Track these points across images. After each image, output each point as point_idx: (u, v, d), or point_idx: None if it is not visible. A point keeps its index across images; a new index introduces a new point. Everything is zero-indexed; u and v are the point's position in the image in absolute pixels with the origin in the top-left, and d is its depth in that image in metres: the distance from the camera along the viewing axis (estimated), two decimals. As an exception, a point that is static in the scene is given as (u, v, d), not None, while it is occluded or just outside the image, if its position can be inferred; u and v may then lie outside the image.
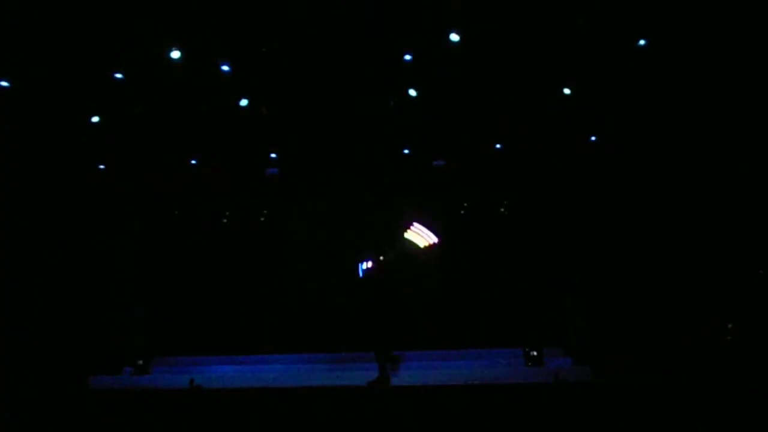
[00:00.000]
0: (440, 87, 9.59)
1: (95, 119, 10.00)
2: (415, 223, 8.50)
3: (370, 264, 8.54)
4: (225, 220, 12.22)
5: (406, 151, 11.21)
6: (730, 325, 9.32)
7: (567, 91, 9.35)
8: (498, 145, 10.90)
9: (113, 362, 10.89)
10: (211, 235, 12.20)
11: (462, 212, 11.68)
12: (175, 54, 8.68)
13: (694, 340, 9.27)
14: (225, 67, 9.11)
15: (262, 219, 12.16)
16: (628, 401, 6.09)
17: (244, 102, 9.84)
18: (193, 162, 11.53)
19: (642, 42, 8.55)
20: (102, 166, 11.28)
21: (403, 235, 8.36)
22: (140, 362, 10.69)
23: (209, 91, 9.66)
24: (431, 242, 8.46)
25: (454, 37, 8.42)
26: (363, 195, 11.56)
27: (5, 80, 9.03)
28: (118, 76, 9.19)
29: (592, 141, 10.48)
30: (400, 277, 8.47)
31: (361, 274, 8.64)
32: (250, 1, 8.12)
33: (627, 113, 9.80)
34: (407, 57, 8.95)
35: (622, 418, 5.77)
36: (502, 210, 11.54)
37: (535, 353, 9.78)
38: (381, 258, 8.38)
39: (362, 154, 11.02)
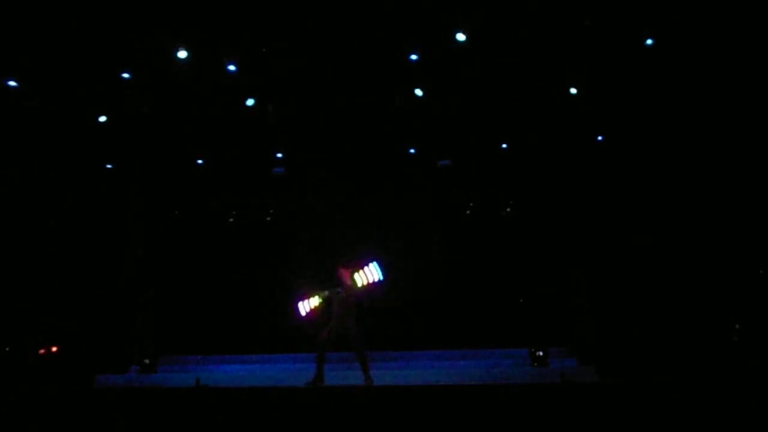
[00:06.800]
0: (446, 86, 9.59)
1: (102, 119, 10.05)
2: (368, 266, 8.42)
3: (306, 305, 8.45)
4: (231, 220, 12.25)
5: (411, 151, 11.22)
6: (737, 326, 9.29)
7: (573, 90, 9.34)
8: (504, 145, 10.90)
9: (120, 361, 10.94)
10: (218, 234, 12.24)
11: (468, 212, 11.67)
12: (182, 54, 8.71)
13: (700, 341, 9.25)
14: (231, 67, 9.13)
15: (269, 219, 12.18)
16: (633, 402, 6.07)
17: (250, 101, 9.87)
18: (200, 162, 11.57)
19: (649, 42, 8.53)
20: (109, 166, 11.33)
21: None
22: (147, 361, 10.73)
23: (216, 91, 9.69)
24: (371, 281, 8.36)
25: (461, 36, 8.41)
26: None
27: (13, 80, 9.08)
28: (126, 75, 9.23)
29: (599, 141, 10.46)
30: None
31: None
32: (256, 1, 8.15)
33: (634, 113, 9.78)
34: (413, 56, 8.95)
35: (627, 419, 5.76)
36: (508, 210, 11.53)
37: (540, 353, 9.76)
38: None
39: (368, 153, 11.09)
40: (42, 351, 10.60)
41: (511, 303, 10.95)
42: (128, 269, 11.66)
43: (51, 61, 8.81)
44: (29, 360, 10.26)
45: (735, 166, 9.67)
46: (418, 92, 9.60)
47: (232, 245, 12.10)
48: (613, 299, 10.17)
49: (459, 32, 8.37)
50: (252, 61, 9.10)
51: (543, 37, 8.53)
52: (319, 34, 8.62)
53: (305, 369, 8.77)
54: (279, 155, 11.47)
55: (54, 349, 10.64)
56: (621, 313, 10.02)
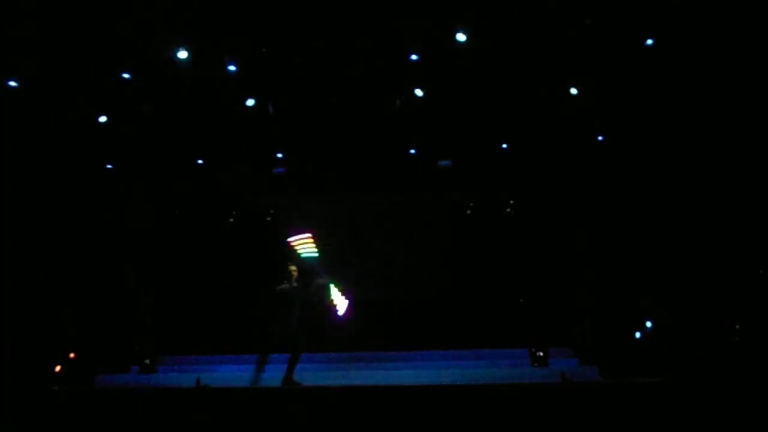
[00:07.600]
0: (446, 87, 9.58)
1: (103, 119, 10.05)
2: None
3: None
4: (231, 220, 12.24)
5: (412, 151, 11.22)
6: (737, 326, 9.29)
7: (574, 91, 9.33)
8: (504, 145, 10.90)
9: (120, 361, 10.93)
10: (218, 234, 12.23)
11: (468, 212, 11.67)
12: (182, 54, 8.71)
13: (701, 341, 9.24)
14: (231, 67, 9.13)
15: (269, 219, 12.17)
16: (634, 401, 6.07)
17: (250, 102, 9.87)
18: (200, 162, 11.57)
19: (649, 42, 8.52)
20: (109, 166, 11.33)
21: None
22: (147, 361, 10.72)
23: (216, 91, 9.69)
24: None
25: (461, 36, 8.41)
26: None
27: (14, 80, 9.08)
28: (126, 76, 9.23)
29: (599, 141, 10.46)
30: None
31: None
32: (256, 2, 8.16)
33: (634, 113, 9.77)
34: (413, 56, 8.95)
35: (628, 419, 5.76)
36: (509, 210, 11.53)
37: (541, 353, 9.76)
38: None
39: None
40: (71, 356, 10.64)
41: (512, 303, 10.95)
42: (128, 270, 11.66)
43: (51, 61, 8.81)
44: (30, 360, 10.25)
45: (735, 166, 9.66)
46: (418, 92, 9.60)
47: (232, 245, 12.10)
48: (613, 299, 10.17)
49: (459, 32, 8.37)
50: (252, 61, 9.10)
51: (543, 37, 8.52)
52: (319, 34, 8.61)
53: (305, 369, 8.78)
54: (279, 155, 11.47)
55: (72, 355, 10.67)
56: (621, 313, 10.02)
